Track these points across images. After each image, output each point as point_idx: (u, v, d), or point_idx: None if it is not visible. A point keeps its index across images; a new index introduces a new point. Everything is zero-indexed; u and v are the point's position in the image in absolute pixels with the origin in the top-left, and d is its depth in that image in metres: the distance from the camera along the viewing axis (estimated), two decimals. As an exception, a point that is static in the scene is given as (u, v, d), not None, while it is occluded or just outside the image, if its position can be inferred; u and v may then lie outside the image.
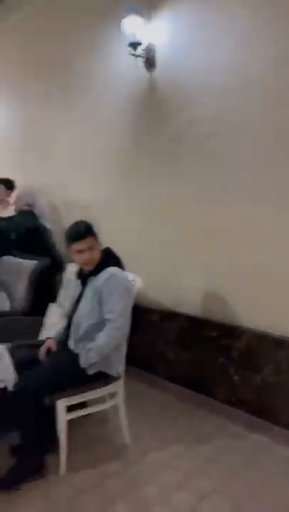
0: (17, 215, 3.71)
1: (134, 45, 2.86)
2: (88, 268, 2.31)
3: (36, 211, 3.69)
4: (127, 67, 3.10)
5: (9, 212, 3.88)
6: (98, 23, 3.33)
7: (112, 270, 2.25)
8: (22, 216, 3.65)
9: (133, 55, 2.93)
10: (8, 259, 3.61)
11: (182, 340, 3.00)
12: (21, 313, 3.24)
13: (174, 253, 3.04)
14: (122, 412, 2.41)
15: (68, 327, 2.38)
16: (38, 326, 2.98)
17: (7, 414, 2.30)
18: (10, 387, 2.13)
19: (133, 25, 2.81)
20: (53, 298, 3.13)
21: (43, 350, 2.36)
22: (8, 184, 3.99)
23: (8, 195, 3.97)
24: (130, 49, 2.91)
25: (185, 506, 1.96)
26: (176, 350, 3.05)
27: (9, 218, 3.73)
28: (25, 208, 3.68)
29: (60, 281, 3.15)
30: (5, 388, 2.14)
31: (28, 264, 3.37)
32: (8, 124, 4.61)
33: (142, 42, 2.89)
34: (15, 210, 3.77)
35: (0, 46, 4.49)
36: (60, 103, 3.87)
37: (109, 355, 2.22)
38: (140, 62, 2.99)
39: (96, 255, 2.29)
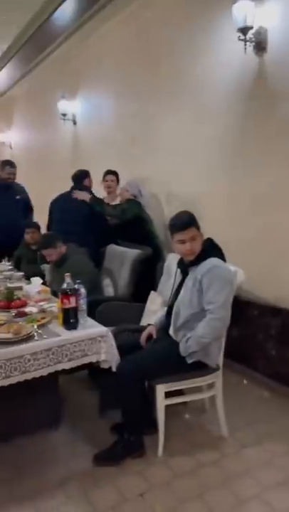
0: (123, 202, 3.87)
1: (245, 29, 2.77)
2: (190, 258, 2.33)
3: (141, 201, 3.80)
4: (234, 52, 3.02)
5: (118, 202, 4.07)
6: (206, 10, 3.29)
7: (213, 261, 2.25)
8: (127, 203, 3.79)
9: (242, 40, 2.84)
10: (113, 247, 3.79)
11: (285, 337, 2.88)
12: (124, 300, 3.39)
13: (281, 244, 2.91)
14: (220, 403, 2.41)
15: (168, 315, 2.43)
16: (140, 312, 3.10)
17: (111, 392, 2.46)
18: (114, 368, 2.25)
19: (244, 9, 2.72)
20: (153, 286, 3.22)
21: (144, 336, 2.45)
22: (117, 175, 4.21)
23: (116, 186, 4.19)
24: (239, 34, 2.83)
25: (285, 508, 1.89)
26: (278, 347, 2.93)
27: (115, 206, 3.92)
28: (131, 198, 3.81)
29: (161, 269, 3.22)
30: (109, 368, 2.27)
31: (132, 253, 3.50)
32: (114, 117, 4.80)
33: (253, 26, 2.78)
34: (120, 201, 3.93)
35: (110, 41, 4.68)
36: (165, 94, 3.92)
37: (208, 345, 2.22)
38: (249, 47, 2.89)
39: (198, 246, 2.29)
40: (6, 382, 2.01)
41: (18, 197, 4.63)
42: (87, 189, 4.05)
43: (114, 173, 4.24)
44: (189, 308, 2.25)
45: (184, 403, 2.51)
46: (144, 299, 3.17)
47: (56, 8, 4.84)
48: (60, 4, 4.73)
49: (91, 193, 4.04)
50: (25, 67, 6.21)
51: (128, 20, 4.28)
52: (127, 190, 3.87)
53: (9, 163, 4.65)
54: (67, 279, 2.25)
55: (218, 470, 2.17)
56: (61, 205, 4.00)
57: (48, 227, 4.08)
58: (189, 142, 3.67)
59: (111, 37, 4.63)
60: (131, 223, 3.69)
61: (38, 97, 6.81)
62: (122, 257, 3.57)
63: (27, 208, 4.80)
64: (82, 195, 3.84)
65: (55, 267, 3.36)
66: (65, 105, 5.54)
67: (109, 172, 4.26)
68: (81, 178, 4.09)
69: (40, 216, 4.43)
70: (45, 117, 6.55)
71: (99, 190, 4.23)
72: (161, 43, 3.88)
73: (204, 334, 2.16)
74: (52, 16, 5.01)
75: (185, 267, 2.38)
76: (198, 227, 2.31)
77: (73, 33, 4.90)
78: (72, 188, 4.05)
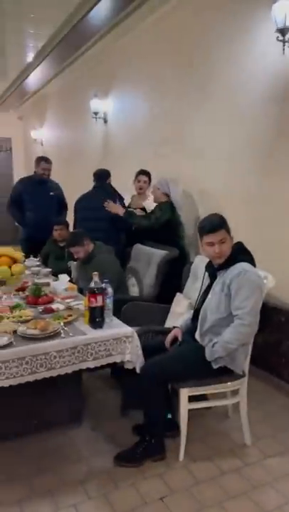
0: (156, 208, 3.76)
1: (284, 30, 2.71)
2: (218, 261, 2.29)
3: (173, 200, 3.73)
4: (272, 53, 2.96)
5: (148, 202, 4.04)
6: (243, 10, 3.23)
7: (243, 266, 2.20)
8: (160, 209, 3.70)
9: (281, 40, 2.78)
10: (139, 247, 3.78)
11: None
12: (149, 300, 3.38)
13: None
14: (244, 410, 2.36)
15: (195, 319, 2.41)
16: (165, 313, 3.08)
17: (133, 392, 2.46)
18: (138, 369, 2.24)
19: (284, 9, 2.66)
20: (178, 287, 3.19)
21: (169, 339, 2.43)
22: (150, 176, 4.14)
23: (148, 187, 4.14)
24: (278, 35, 2.77)
25: (308, 522, 1.84)
26: (305, 356, 2.86)
27: (148, 215, 3.81)
28: (164, 198, 3.74)
29: (187, 272, 3.19)
30: (133, 368, 2.26)
31: (159, 254, 3.48)
32: (146, 117, 4.79)
33: (292, 26, 2.72)
34: (155, 201, 3.86)
35: (144, 41, 4.68)
36: (198, 94, 3.88)
37: (235, 351, 2.18)
38: (288, 48, 2.82)
39: (227, 249, 2.25)
40: (31, 378, 2.03)
41: (52, 193, 4.69)
42: (111, 188, 4.08)
43: (147, 174, 4.18)
44: (216, 313, 2.21)
45: (207, 408, 2.48)
46: (168, 301, 3.15)
47: (92, 8, 4.87)
48: (95, 4, 4.76)
49: (114, 191, 4.07)
50: (59, 66, 6.29)
51: (162, 20, 4.26)
52: (158, 188, 3.78)
53: (44, 159, 4.69)
54: (95, 278, 2.25)
55: (241, 479, 2.13)
56: (85, 204, 4.03)
57: (74, 227, 4.12)
58: (222, 143, 3.62)
59: (145, 36, 4.63)
60: (161, 226, 3.67)
61: (70, 96, 6.88)
62: (149, 257, 3.55)
63: (61, 204, 4.84)
64: (116, 209, 3.80)
65: (82, 264, 3.39)
66: (97, 104, 5.57)
67: (141, 172, 4.19)
68: (103, 178, 4.10)
69: (69, 213, 4.47)
70: (76, 115, 6.61)
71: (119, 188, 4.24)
72: (195, 43, 3.84)
73: (231, 340, 2.13)
74: (87, 16, 5.04)
75: (213, 270, 2.34)
76: (228, 230, 2.27)
77: (107, 33, 4.92)
78: (95, 187, 4.08)
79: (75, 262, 3.71)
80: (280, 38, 2.79)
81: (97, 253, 3.30)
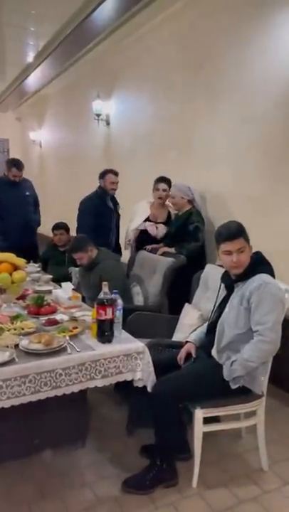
0: (193, 219, 3.48)
1: (304, 29, 2.59)
2: (236, 272, 2.14)
3: (198, 207, 3.55)
4: (285, 56, 2.83)
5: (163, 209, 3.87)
6: (255, 10, 3.10)
7: (263, 277, 2.05)
8: (199, 222, 3.45)
9: (300, 41, 2.65)
10: (144, 253, 3.62)
11: None
12: (155, 309, 3.22)
13: None
14: (261, 433, 2.20)
15: (209, 333, 2.25)
16: (172, 325, 2.92)
17: (140, 411, 2.30)
18: (149, 388, 2.08)
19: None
20: (186, 297, 3.03)
21: (182, 354, 2.27)
22: (170, 183, 3.79)
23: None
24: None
25: None
26: None
27: (192, 236, 3.45)
28: (188, 206, 3.54)
29: (196, 281, 3.03)
30: (144, 386, 2.10)
31: (165, 261, 3.33)
32: (150, 119, 4.65)
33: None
34: (176, 208, 3.64)
35: (149, 43, 4.54)
36: (206, 97, 3.74)
37: (255, 370, 2.03)
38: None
39: (245, 259, 2.10)
40: (34, 398, 1.86)
41: (27, 193, 4.53)
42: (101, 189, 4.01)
43: (167, 181, 3.76)
44: (235, 328, 2.05)
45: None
46: (175, 310, 3.00)
47: (97, 7, 4.73)
48: (100, 3, 4.63)
49: (105, 192, 3.98)
50: (60, 66, 6.13)
51: (170, 20, 4.13)
52: (182, 197, 3.54)
53: (15, 165, 4.39)
54: (105, 289, 2.09)
55: (260, 508, 1.97)
56: None
57: (78, 231, 3.97)
58: (231, 148, 3.49)
59: (151, 37, 4.49)
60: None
61: (71, 97, 6.74)
62: (154, 264, 3.40)
63: (36, 203, 4.72)
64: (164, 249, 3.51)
65: (85, 271, 3.23)
66: (99, 105, 5.43)
67: (161, 179, 3.79)
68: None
69: (71, 215, 4.29)
70: (77, 117, 6.46)
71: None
72: (204, 44, 3.71)
73: (251, 358, 1.97)
74: (91, 14, 4.90)
75: (230, 281, 2.19)
76: (247, 239, 2.12)
77: (112, 32, 4.78)
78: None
79: (76, 268, 3.55)
80: (299, 38, 2.66)
81: (101, 260, 3.15)
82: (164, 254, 3.49)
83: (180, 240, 3.46)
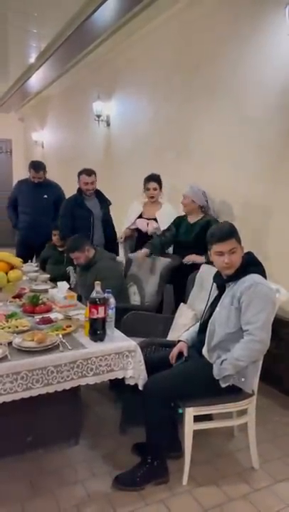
0: (201, 223, 3.30)
1: (298, 31, 2.61)
2: (227, 272, 2.16)
3: (213, 216, 3.33)
4: (284, 56, 2.85)
5: (160, 212, 3.78)
6: (254, 12, 3.13)
7: (254, 277, 2.07)
8: (208, 226, 3.06)
9: (295, 43, 2.67)
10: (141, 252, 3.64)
11: None
12: (151, 309, 3.25)
13: None
14: (252, 432, 2.22)
15: (201, 333, 2.27)
16: (167, 324, 2.94)
17: (133, 408, 2.32)
18: (140, 385, 2.11)
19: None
20: (181, 297, 3.05)
21: (174, 354, 2.28)
22: (160, 181, 3.79)
23: (159, 193, 3.82)
24: (292, 37, 2.67)
25: None
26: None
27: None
28: (200, 213, 3.34)
29: (192, 281, 3.05)
30: (135, 385, 2.13)
31: (162, 261, 3.35)
32: (150, 120, 4.68)
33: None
34: (185, 210, 3.39)
35: (148, 44, 4.57)
36: (205, 98, 3.77)
37: (245, 369, 2.05)
38: (302, 50, 2.71)
39: (237, 259, 2.12)
40: (26, 395, 1.89)
41: (45, 196, 4.56)
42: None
43: (156, 179, 3.75)
44: (225, 328, 2.07)
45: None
46: (171, 311, 3.02)
47: (97, 8, 4.76)
48: (101, 4, 4.66)
49: (81, 194, 3.94)
50: (61, 67, 6.18)
51: (169, 22, 4.15)
52: (193, 201, 3.30)
53: (34, 167, 4.50)
54: (97, 288, 2.11)
55: (249, 506, 1.99)
56: None
57: None
58: (229, 149, 3.51)
59: (151, 38, 4.52)
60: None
61: (72, 98, 6.78)
62: (152, 264, 3.42)
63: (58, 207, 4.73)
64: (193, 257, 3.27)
65: (82, 270, 3.26)
66: (99, 106, 5.46)
67: (150, 178, 3.75)
68: None
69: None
70: (78, 118, 6.50)
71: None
72: (203, 45, 3.74)
73: (241, 356, 1.99)
74: (92, 16, 4.93)
75: (222, 281, 2.21)
76: (239, 240, 2.14)
77: (112, 34, 4.82)
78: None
79: (72, 268, 3.59)
80: (294, 40, 2.68)
81: (98, 259, 3.18)
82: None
83: (201, 250, 3.15)
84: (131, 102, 5.11)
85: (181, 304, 2.97)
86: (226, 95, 3.49)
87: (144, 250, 3.38)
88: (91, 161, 5.95)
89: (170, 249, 3.57)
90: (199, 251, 3.17)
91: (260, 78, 3.14)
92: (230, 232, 2.13)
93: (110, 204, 4.11)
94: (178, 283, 3.21)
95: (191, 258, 3.24)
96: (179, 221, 3.48)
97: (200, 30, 3.76)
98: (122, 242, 4.02)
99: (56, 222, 4.24)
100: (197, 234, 3.26)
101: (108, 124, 5.56)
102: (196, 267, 3.01)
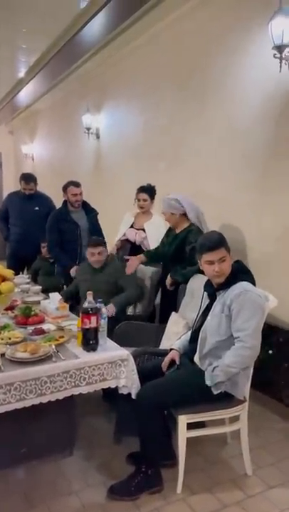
0: (181, 234, 3.12)
1: (281, 47, 2.69)
2: (218, 281, 2.20)
3: (196, 221, 3.12)
4: (269, 70, 2.94)
5: (149, 222, 3.82)
6: (239, 27, 3.23)
7: (243, 285, 2.12)
8: (187, 237, 3.06)
9: (278, 57, 2.75)
10: None
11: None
12: (142, 318, 3.27)
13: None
14: (245, 438, 2.24)
15: (193, 341, 2.30)
16: (160, 333, 2.97)
17: (127, 419, 2.33)
18: (133, 394, 2.12)
19: (281, 26, 2.64)
20: (174, 306, 3.08)
21: (166, 362, 2.31)
22: (152, 192, 3.78)
23: (150, 204, 3.82)
24: (275, 52, 2.75)
25: None
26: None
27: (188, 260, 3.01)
28: (186, 222, 3.12)
29: (183, 290, 3.09)
30: (129, 394, 2.14)
31: (150, 270, 3.39)
32: (139, 132, 4.75)
33: (290, 43, 2.70)
34: (172, 225, 3.22)
35: (137, 58, 4.66)
36: (193, 110, 3.85)
37: (236, 376, 2.08)
38: (285, 65, 2.80)
39: (227, 267, 2.17)
40: (19, 405, 1.90)
41: (36, 208, 4.59)
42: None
43: (147, 191, 3.78)
44: (216, 335, 2.11)
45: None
46: (164, 319, 3.04)
47: (85, 24, 4.86)
48: (89, 20, 4.75)
49: (66, 207, 3.95)
50: (51, 81, 6.27)
51: (158, 36, 4.25)
52: (172, 213, 3.08)
53: (24, 178, 4.55)
54: (89, 298, 2.14)
55: (243, 512, 2.01)
56: None
57: None
58: (217, 159, 3.58)
59: (139, 52, 4.62)
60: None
61: (62, 111, 6.85)
62: (143, 273, 3.46)
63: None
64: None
65: (94, 271, 3.25)
66: (89, 119, 5.54)
67: (141, 190, 3.79)
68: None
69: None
70: (68, 131, 6.57)
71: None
72: (192, 59, 3.83)
73: (232, 363, 2.02)
74: (81, 31, 5.03)
75: (213, 290, 2.25)
76: (227, 249, 2.19)
77: (101, 49, 4.91)
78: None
79: (75, 267, 3.61)
80: (277, 55, 2.76)
81: (110, 261, 3.29)
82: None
83: (178, 261, 3.09)
84: (120, 114, 5.19)
85: (173, 312, 3.00)
86: (215, 106, 3.58)
87: (140, 256, 3.36)
88: (81, 174, 6.01)
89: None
90: (177, 263, 3.07)
91: (247, 90, 3.23)
92: (219, 242, 2.18)
93: (97, 213, 4.12)
94: (165, 292, 3.24)
95: (167, 283, 3.15)
96: (168, 233, 3.40)
97: (189, 44, 3.85)
98: (113, 255, 4.04)
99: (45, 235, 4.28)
100: (177, 245, 3.12)
101: (98, 137, 5.63)
102: None
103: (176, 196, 3.12)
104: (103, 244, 3.23)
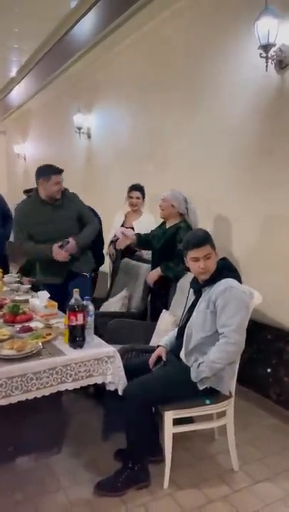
0: (171, 230, 3.11)
1: (267, 47, 2.72)
2: (203, 277, 2.22)
3: (191, 223, 3.10)
4: (255, 70, 2.97)
5: (138, 221, 3.86)
6: (226, 27, 3.25)
7: (228, 282, 2.14)
8: (177, 233, 3.05)
9: (264, 57, 2.78)
10: (127, 260, 3.69)
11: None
12: (135, 316, 3.28)
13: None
14: (231, 434, 2.26)
15: (179, 337, 2.31)
16: (150, 331, 2.98)
17: (115, 416, 2.34)
18: (120, 391, 2.13)
19: (267, 26, 2.67)
20: (165, 304, 3.10)
21: (152, 358, 2.32)
22: (143, 191, 3.88)
23: (142, 203, 3.89)
24: (261, 51, 2.78)
25: None
26: (292, 374, 2.79)
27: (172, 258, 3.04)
28: (177, 218, 3.11)
29: (174, 288, 3.10)
30: (115, 390, 2.15)
31: (145, 267, 3.40)
32: (129, 132, 4.77)
33: (276, 43, 2.73)
34: (163, 217, 3.19)
35: (127, 58, 4.68)
36: (181, 111, 3.87)
37: (221, 371, 2.10)
38: (271, 65, 2.82)
39: (212, 265, 2.20)
40: (5, 402, 1.90)
41: None
42: None
43: (140, 189, 3.85)
44: (202, 331, 2.13)
45: (193, 430, 2.37)
46: (157, 317, 3.05)
47: (76, 23, 4.88)
48: (79, 19, 4.77)
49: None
50: (42, 81, 6.27)
51: (147, 36, 4.27)
52: (173, 205, 3.07)
53: None
54: (76, 295, 2.15)
55: (229, 506, 2.02)
56: None
57: None
58: (204, 160, 3.60)
59: (128, 53, 4.63)
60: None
61: (54, 111, 6.85)
62: (137, 270, 3.49)
63: (5, 216, 4.71)
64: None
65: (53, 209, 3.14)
66: (80, 119, 5.54)
67: (133, 188, 3.87)
68: None
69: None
70: (60, 130, 6.57)
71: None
72: (179, 59, 3.85)
73: (217, 359, 2.04)
74: (71, 31, 5.05)
75: (198, 287, 2.27)
76: (213, 246, 2.21)
77: (92, 48, 4.92)
78: None
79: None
80: (263, 54, 2.79)
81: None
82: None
83: (166, 257, 3.07)
84: (111, 114, 5.20)
85: (164, 310, 3.02)
86: (203, 107, 3.60)
87: (132, 236, 3.32)
88: (73, 173, 6.01)
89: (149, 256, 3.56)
90: (164, 259, 3.07)
91: (233, 90, 3.25)
92: (204, 239, 2.20)
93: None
94: (155, 290, 3.25)
95: (150, 279, 3.17)
96: (158, 227, 3.37)
97: (177, 44, 3.87)
98: (111, 256, 4.04)
99: (6, 231, 4.31)
100: (165, 241, 3.11)
101: (89, 137, 5.64)
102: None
103: (186, 196, 3.12)
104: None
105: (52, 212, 3.14)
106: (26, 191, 4.18)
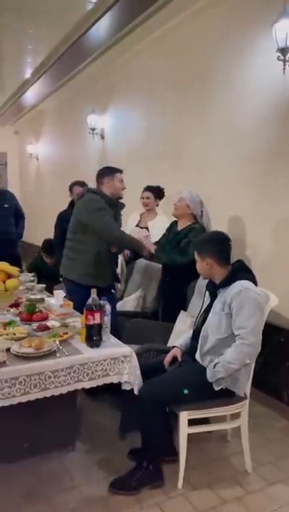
0: (184, 231, 3.09)
1: (285, 49, 2.72)
2: (218, 279, 2.24)
3: (205, 226, 3.08)
4: (272, 73, 2.97)
5: (152, 222, 3.87)
6: (244, 29, 3.26)
7: (243, 283, 2.15)
8: (189, 233, 3.04)
9: (282, 60, 2.79)
10: (142, 261, 3.70)
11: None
12: (148, 316, 3.31)
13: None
14: (245, 435, 2.27)
15: (195, 338, 2.33)
16: (168, 331, 2.98)
17: (132, 414, 2.36)
18: (136, 390, 2.15)
19: (285, 29, 2.67)
20: (183, 304, 3.09)
21: (168, 359, 2.34)
22: (158, 192, 3.89)
23: (157, 204, 3.92)
24: (279, 54, 2.78)
25: None
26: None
27: (181, 247, 3.04)
28: (190, 219, 3.09)
29: (192, 289, 3.10)
30: (131, 390, 2.17)
31: (158, 267, 3.42)
32: (143, 134, 4.79)
33: (294, 46, 2.73)
34: (176, 216, 3.17)
35: (142, 59, 4.70)
36: (197, 112, 3.88)
37: (237, 372, 2.11)
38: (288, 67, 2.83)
39: (200, 268, 2.29)
40: (24, 399, 1.93)
41: (6, 205, 4.62)
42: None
43: (152, 190, 3.92)
44: (217, 333, 2.14)
45: (208, 431, 2.38)
46: (172, 317, 3.05)
47: (91, 26, 4.89)
48: (95, 22, 4.79)
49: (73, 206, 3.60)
50: (56, 82, 6.31)
51: (163, 38, 4.29)
52: (188, 206, 3.06)
53: None
54: (93, 295, 2.17)
55: (242, 508, 2.03)
56: None
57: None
58: (218, 161, 3.61)
59: (144, 54, 4.66)
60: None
61: (67, 111, 6.90)
62: (151, 270, 3.54)
63: (18, 215, 4.79)
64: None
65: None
66: (94, 120, 5.58)
67: (146, 188, 3.96)
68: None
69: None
70: (73, 131, 6.61)
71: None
72: (195, 61, 3.87)
73: (233, 360, 2.05)
74: (86, 33, 5.07)
75: (214, 288, 2.28)
76: (202, 253, 2.26)
77: (106, 50, 4.95)
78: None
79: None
80: (281, 57, 2.79)
81: None
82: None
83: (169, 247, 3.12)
84: (125, 115, 5.23)
85: (182, 311, 3.02)
86: (218, 108, 3.61)
87: (151, 244, 3.22)
88: (85, 174, 6.04)
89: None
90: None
91: (250, 92, 3.26)
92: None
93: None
94: (166, 291, 3.25)
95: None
96: (170, 226, 3.34)
97: (193, 46, 3.88)
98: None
99: (20, 231, 4.35)
100: (176, 243, 3.08)
101: (102, 137, 5.67)
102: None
103: (201, 199, 3.12)
104: None
105: (114, 212, 3.28)
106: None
